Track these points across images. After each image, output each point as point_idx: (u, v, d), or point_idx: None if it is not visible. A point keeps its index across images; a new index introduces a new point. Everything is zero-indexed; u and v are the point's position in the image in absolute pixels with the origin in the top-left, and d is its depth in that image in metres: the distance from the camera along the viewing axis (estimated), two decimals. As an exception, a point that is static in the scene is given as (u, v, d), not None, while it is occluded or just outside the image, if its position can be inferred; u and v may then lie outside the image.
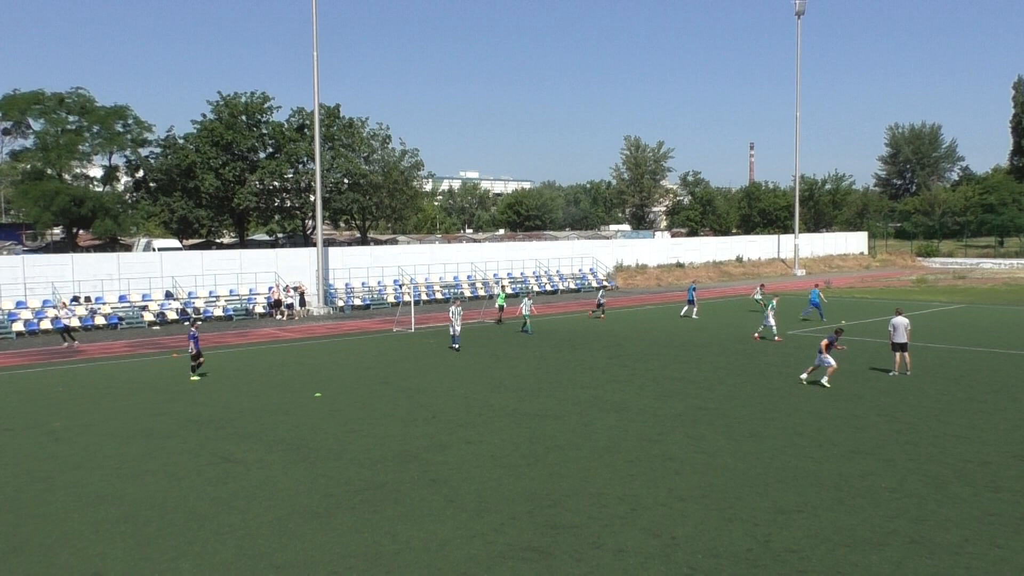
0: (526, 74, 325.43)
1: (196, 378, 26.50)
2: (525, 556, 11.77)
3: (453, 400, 22.69)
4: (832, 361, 23.50)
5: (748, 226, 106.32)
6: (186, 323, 41.17)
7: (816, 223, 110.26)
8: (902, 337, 25.08)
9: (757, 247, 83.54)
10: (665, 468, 15.87)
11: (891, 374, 24.99)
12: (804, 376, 24.00)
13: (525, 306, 37.56)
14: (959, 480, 14.75)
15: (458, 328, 32.30)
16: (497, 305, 41.74)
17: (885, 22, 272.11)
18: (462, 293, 53.74)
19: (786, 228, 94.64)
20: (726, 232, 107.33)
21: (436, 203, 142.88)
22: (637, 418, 20.08)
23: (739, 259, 79.50)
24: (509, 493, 14.53)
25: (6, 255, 61.66)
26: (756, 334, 34.00)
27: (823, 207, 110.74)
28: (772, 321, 33.63)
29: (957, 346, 30.68)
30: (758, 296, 43.59)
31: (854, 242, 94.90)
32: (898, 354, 25.22)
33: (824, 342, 23.86)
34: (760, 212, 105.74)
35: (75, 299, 42.89)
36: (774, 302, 35.36)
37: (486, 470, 15.98)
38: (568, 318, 43.46)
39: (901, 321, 25.32)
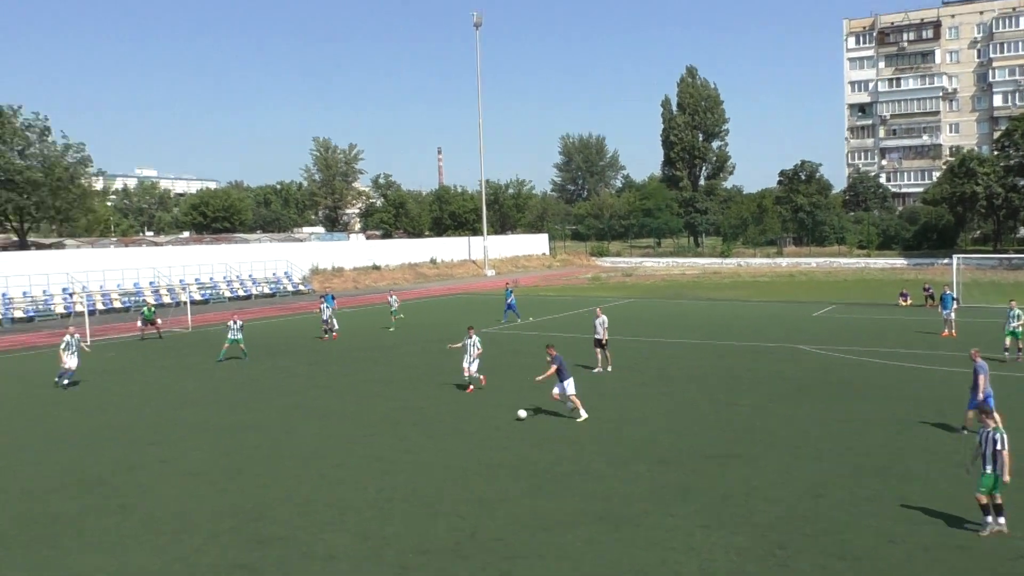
0: (205, 67, 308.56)
1: None
2: (230, 574, 11.25)
3: (142, 418, 21.00)
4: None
5: (440, 228, 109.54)
6: None
7: (502, 226, 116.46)
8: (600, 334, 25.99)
9: (449, 249, 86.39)
10: (373, 469, 15.95)
11: (594, 371, 26.01)
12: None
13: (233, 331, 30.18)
14: (636, 459, 16.40)
15: (71, 363, 25.48)
16: (141, 321, 36.66)
17: (557, 36, 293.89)
18: (143, 301, 49.73)
19: (475, 230, 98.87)
20: (419, 234, 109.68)
21: (109, 203, 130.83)
22: (342, 422, 19.96)
23: (433, 261, 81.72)
24: (210, 510, 13.78)
25: None
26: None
27: (508, 210, 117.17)
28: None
29: (628, 337, 33.98)
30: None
31: (537, 243, 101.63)
32: (598, 350, 26.29)
33: None
34: (450, 215, 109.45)
35: None
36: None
37: (185, 489, 15.01)
38: (266, 324, 41.93)
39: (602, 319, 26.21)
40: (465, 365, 23.31)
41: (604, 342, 26.25)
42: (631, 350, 30.52)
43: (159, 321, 37.16)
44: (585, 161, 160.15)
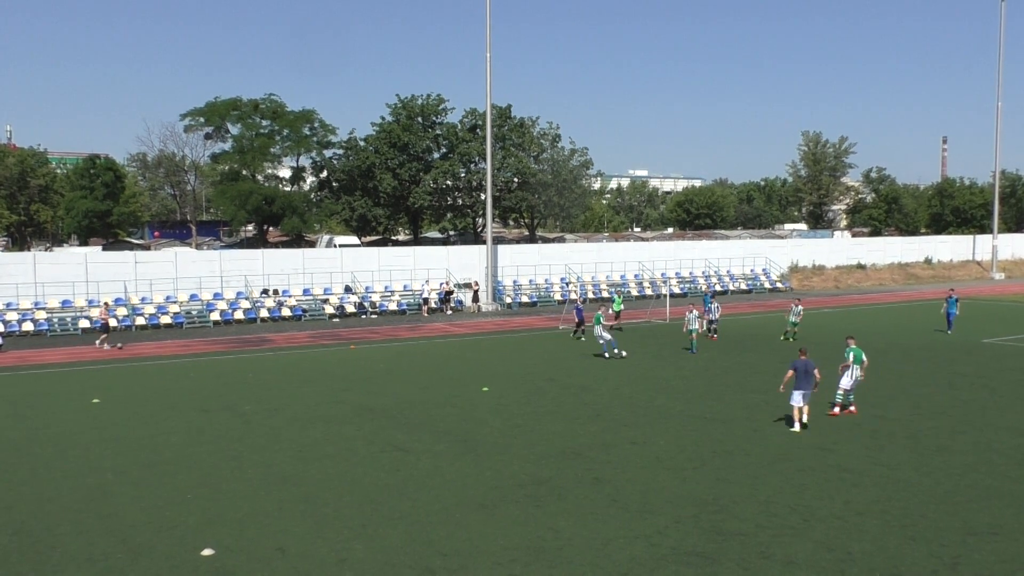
0: (695, 71, 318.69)
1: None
2: (689, 561, 11.51)
3: (618, 400, 22.54)
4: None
5: (939, 225, 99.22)
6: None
7: (1019, 223, 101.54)
8: None
9: (949, 248, 77.80)
10: (840, 479, 15.07)
11: None
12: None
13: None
14: None
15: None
16: (613, 311, 37.47)
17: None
18: (629, 292, 53.32)
19: (983, 228, 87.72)
20: (913, 232, 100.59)
21: (604, 201, 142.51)
22: (810, 425, 19.19)
23: (928, 261, 74.37)
24: (674, 496, 14.26)
25: (206, 250, 67.06)
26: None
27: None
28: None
29: None
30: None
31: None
32: None
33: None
34: (953, 210, 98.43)
35: (264, 292, 45.95)
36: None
37: (650, 471, 15.76)
38: (737, 320, 42.13)
39: None
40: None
41: None
42: None
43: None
44: None
